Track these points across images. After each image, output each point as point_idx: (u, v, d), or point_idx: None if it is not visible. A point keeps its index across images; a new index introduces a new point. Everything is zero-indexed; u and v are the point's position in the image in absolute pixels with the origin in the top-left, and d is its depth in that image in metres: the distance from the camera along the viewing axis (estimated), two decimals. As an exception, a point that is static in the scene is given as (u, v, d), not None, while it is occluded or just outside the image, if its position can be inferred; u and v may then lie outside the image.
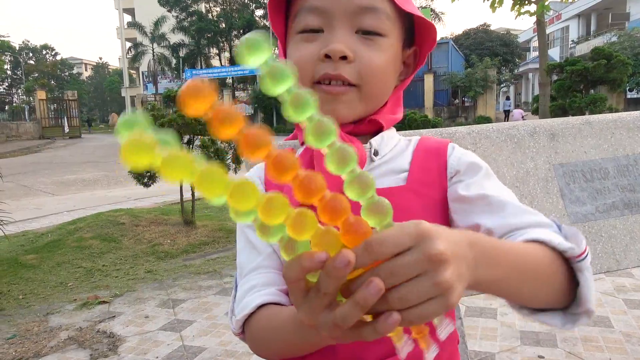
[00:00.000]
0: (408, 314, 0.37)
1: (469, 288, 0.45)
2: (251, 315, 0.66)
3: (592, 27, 33.50)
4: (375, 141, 0.74)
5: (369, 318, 0.39)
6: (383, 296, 0.37)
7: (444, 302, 0.37)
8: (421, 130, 1.05)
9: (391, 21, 0.69)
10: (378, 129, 0.76)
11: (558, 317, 0.56)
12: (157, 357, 2.56)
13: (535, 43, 36.35)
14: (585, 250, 0.55)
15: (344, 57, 0.66)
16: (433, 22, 0.76)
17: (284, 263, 0.39)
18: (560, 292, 0.55)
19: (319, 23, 0.68)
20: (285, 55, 0.75)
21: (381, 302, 0.37)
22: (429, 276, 0.37)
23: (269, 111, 29.06)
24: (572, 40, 35.13)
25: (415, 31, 0.77)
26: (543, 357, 2.34)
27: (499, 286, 0.49)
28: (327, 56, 0.66)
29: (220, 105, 0.35)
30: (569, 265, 0.55)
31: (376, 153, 0.74)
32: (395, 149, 0.76)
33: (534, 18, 11.17)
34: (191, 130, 5.06)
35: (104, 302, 3.44)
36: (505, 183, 1.16)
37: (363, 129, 0.74)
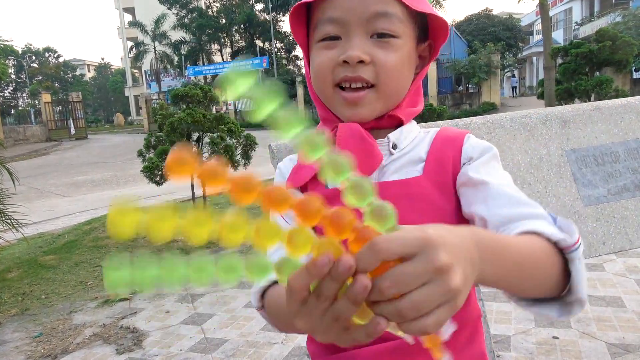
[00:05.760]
0: (422, 322, 0.38)
1: (473, 284, 0.46)
2: (269, 288, 0.70)
3: (596, 8, 33.09)
4: (393, 135, 0.79)
5: (360, 321, 0.41)
6: (394, 305, 0.38)
7: (452, 307, 0.39)
8: (439, 122, 1.10)
9: (403, 22, 0.74)
10: (398, 123, 0.81)
11: (555, 308, 0.58)
12: (180, 350, 2.64)
13: (538, 26, 35.99)
14: (577, 240, 0.57)
15: (361, 61, 0.72)
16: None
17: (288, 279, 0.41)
18: (554, 281, 0.56)
19: (336, 31, 0.74)
20: (309, 63, 0.81)
21: (392, 310, 0.38)
22: (436, 284, 0.38)
23: (272, 105, 29.01)
24: (576, 22, 34.74)
25: (429, 25, 0.81)
26: (557, 338, 2.39)
27: (502, 281, 0.52)
28: (346, 61, 0.72)
29: (206, 166, 0.39)
30: (561, 255, 0.57)
31: (395, 146, 0.78)
32: (414, 141, 0.80)
33: (537, 1, 11.08)
34: (200, 128, 5.13)
35: (125, 299, 3.52)
36: (519, 170, 1.21)
37: (384, 123, 0.79)
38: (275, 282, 0.69)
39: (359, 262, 0.38)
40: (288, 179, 0.82)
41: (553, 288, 0.57)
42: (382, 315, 0.39)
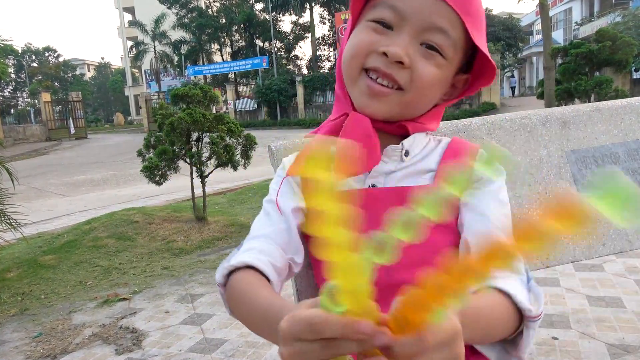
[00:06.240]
0: None
1: None
2: (238, 270, 0.69)
3: (596, 8, 33.11)
4: (407, 142, 0.78)
5: None
6: None
7: None
8: (441, 123, 1.09)
9: (456, 48, 0.72)
10: (404, 133, 0.80)
11: (494, 352, 0.63)
12: (180, 350, 2.64)
13: (538, 26, 36.00)
14: (541, 314, 0.62)
15: (399, 62, 0.69)
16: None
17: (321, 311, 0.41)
18: (505, 334, 0.61)
19: (391, 21, 0.71)
20: (349, 35, 0.78)
21: None
22: None
23: (272, 105, 29.05)
24: (576, 22, 34.76)
25: (476, 62, 0.79)
26: (557, 339, 2.39)
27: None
28: (385, 54, 0.70)
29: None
30: (520, 314, 0.61)
31: (407, 154, 0.78)
32: (424, 150, 0.80)
33: (537, 1, 11.08)
34: (200, 128, 5.12)
35: (124, 299, 3.52)
36: (519, 171, 1.21)
37: (392, 129, 0.78)
38: (245, 267, 0.68)
39: (401, 346, 0.40)
40: (288, 170, 0.82)
41: (501, 337, 0.62)
42: None
